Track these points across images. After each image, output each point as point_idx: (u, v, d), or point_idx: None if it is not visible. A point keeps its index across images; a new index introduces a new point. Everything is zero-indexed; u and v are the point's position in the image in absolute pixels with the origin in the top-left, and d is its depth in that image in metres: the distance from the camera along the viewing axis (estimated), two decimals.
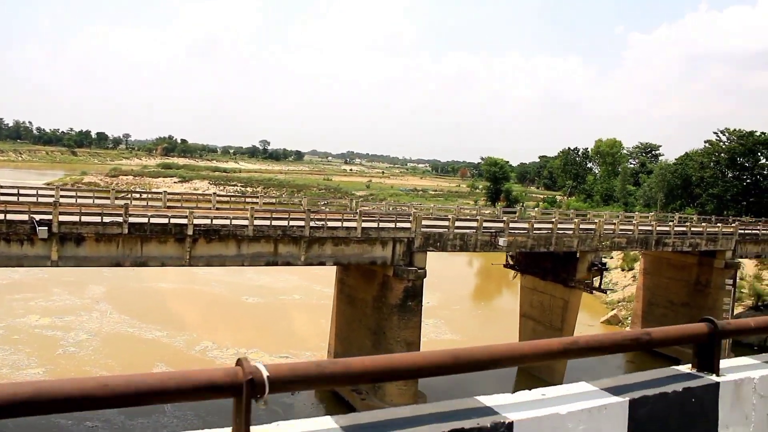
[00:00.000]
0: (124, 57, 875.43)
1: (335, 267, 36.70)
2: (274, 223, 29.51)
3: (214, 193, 36.93)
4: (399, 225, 32.30)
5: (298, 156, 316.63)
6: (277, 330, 47.49)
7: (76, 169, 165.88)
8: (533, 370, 35.44)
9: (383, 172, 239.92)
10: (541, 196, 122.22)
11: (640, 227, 41.56)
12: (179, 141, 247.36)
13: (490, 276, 65.80)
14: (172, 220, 27.66)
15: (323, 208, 42.50)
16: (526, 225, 36.46)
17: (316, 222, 30.49)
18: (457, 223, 34.53)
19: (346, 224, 31.15)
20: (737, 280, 48.33)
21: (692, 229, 43.44)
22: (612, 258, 70.09)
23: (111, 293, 53.28)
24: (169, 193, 35.29)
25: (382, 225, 31.95)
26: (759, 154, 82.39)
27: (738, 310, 58.01)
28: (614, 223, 39.86)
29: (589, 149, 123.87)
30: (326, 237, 30.63)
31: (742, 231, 47.10)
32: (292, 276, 64.21)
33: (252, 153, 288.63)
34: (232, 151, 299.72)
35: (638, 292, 52.09)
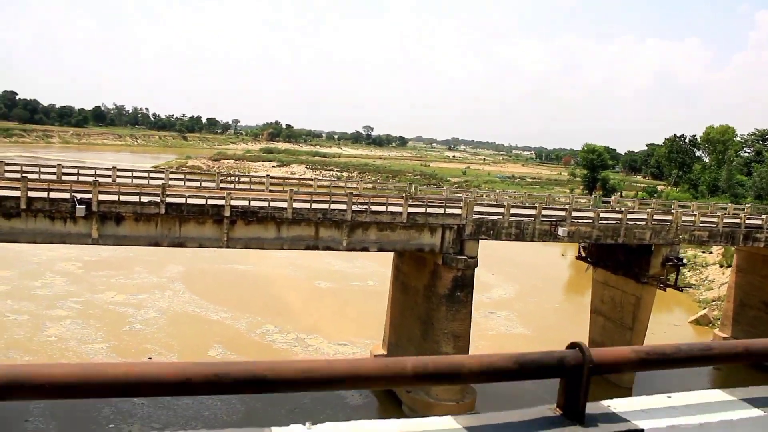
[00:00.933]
0: (232, 47, 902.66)
1: (392, 254, 35.63)
2: (315, 206, 28.69)
3: (267, 175, 36.53)
4: (449, 211, 30.75)
5: (402, 142, 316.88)
6: (342, 316, 46.92)
7: (185, 153, 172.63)
8: None
9: (484, 159, 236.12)
10: (642, 186, 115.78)
11: (725, 220, 37.90)
12: (284, 126, 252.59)
13: (572, 267, 62.62)
14: (209, 201, 27.39)
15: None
16: (591, 214, 33.92)
17: (359, 206, 29.46)
18: (515, 211, 32.57)
19: (391, 209, 29.92)
20: None
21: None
22: (711, 253, 65.20)
23: (188, 273, 54.48)
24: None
25: (430, 210, 30.51)
26: None
27: None
28: (695, 215, 36.48)
29: (697, 136, 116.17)
30: (370, 222, 29.54)
31: None
32: (370, 262, 63.58)
33: (355, 139, 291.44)
34: (336, 136, 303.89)
35: (729, 291, 47.95)
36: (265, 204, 28.10)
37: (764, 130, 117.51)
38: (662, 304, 62.10)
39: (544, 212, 32.88)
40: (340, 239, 29.37)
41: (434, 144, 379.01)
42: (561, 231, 31.81)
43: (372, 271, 60.68)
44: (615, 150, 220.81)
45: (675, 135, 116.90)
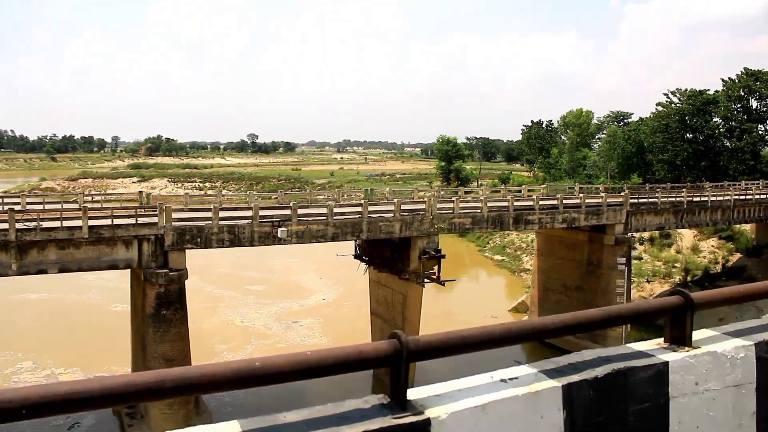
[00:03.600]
0: (115, 63, 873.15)
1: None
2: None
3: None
4: (142, 220, 26.82)
5: (289, 147, 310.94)
6: (115, 342, 42.27)
7: (57, 175, 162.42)
8: None
9: (365, 158, 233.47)
10: (497, 173, 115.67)
11: (491, 204, 35.53)
12: (164, 140, 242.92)
13: None
14: None
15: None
16: (324, 210, 30.71)
17: (26, 223, 25.12)
18: (228, 213, 29.05)
19: (69, 223, 25.70)
20: (632, 258, 41.93)
21: (564, 201, 37.20)
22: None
23: None
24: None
25: (119, 222, 26.47)
26: (709, 114, 75.21)
27: (656, 289, 51.84)
28: (453, 201, 33.86)
29: (553, 121, 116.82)
30: (45, 240, 25.26)
31: (635, 200, 40.72)
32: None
33: (241, 147, 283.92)
34: (222, 146, 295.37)
35: (534, 276, 46.27)
36: None
37: (618, 111, 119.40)
38: (494, 292, 60.44)
39: (263, 212, 29.40)
40: (8, 262, 24.95)
41: (327, 147, 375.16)
42: (281, 232, 28.46)
43: None
44: (500, 140, 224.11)
45: (532, 121, 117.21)
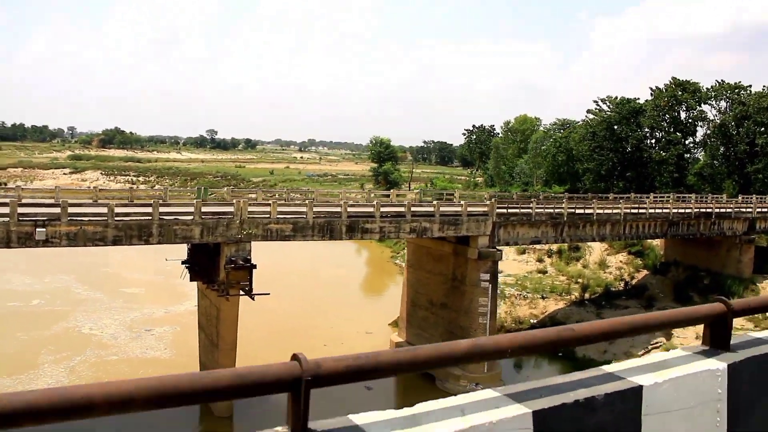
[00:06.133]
0: (78, 53, 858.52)
1: None
2: None
3: None
4: None
5: (249, 144, 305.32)
6: None
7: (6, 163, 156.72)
8: None
9: (320, 158, 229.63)
10: (426, 177, 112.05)
11: (320, 209, 31.62)
12: (119, 132, 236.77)
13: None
14: None
15: None
16: (105, 210, 26.56)
17: None
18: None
19: None
20: (498, 275, 38.02)
21: (412, 209, 33.26)
22: None
23: None
24: None
25: None
26: (637, 123, 72.03)
27: (550, 306, 48.21)
28: (269, 204, 29.81)
29: (495, 127, 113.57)
30: None
31: (504, 210, 36.97)
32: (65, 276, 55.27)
33: (200, 143, 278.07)
34: (182, 141, 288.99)
35: (403, 289, 42.30)
36: None
37: (564, 119, 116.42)
38: (384, 303, 56.48)
39: (23, 210, 25.18)
40: None
41: (293, 146, 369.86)
42: (39, 233, 24.27)
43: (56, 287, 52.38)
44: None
45: (474, 126, 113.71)
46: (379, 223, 31.99)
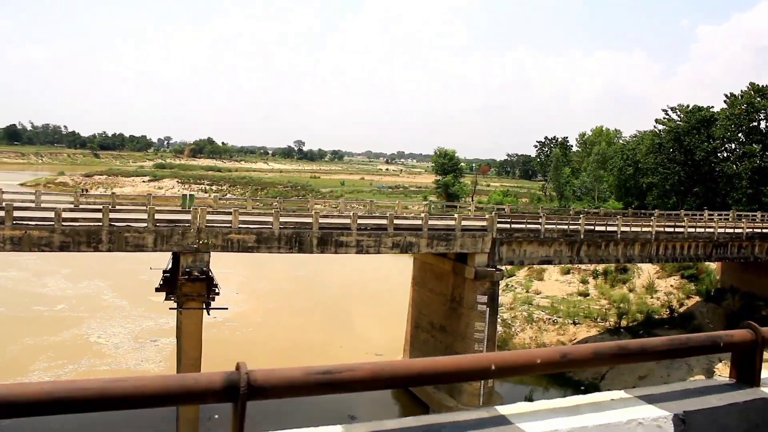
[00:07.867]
0: (176, 67, 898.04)
1: None
2: None
3: None
4: None
5: (336, 156, 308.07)
6: None
7: (89, 170, 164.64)
8: None
9: (401, 170, 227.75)
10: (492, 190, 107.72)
11: (287, 219, 29.60)
12: (210, 143, 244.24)
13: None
14: None
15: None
16: (51, 214, 25.47)
17: None
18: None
19: None
20: (497, 296, 34.62)
21: (395, 221, 30.67)
22: None
23: None
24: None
25: None
26: (707, 134, 66.07)
27: (581, 333, 44.13)
28: (230, 213, 28.03)
29: (567, 139, 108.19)
30: None
31: (506, 226, 33.71)
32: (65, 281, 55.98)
33: (287, 153, 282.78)
34: (270, 152, 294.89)
35: (408, 309, 39.63)
36: None
37: (644, 132, 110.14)
38: (398, 321, 53.70)
39: None
40: None
41: (381, 158, 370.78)
42: None
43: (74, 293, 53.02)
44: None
45: (546, 137, 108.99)
46: (356, 236, 29.64)
